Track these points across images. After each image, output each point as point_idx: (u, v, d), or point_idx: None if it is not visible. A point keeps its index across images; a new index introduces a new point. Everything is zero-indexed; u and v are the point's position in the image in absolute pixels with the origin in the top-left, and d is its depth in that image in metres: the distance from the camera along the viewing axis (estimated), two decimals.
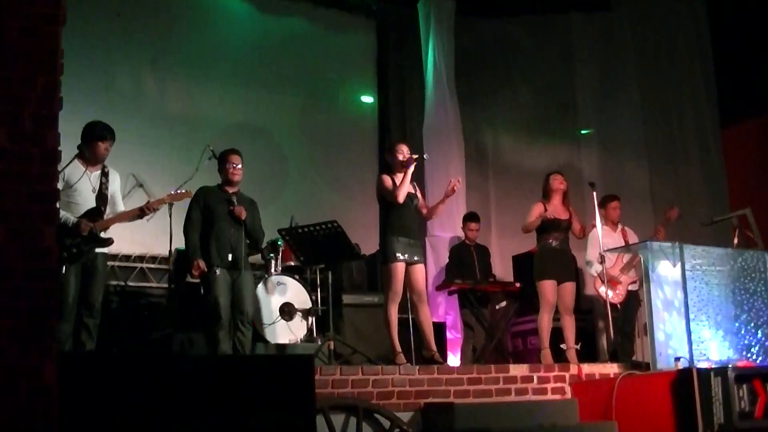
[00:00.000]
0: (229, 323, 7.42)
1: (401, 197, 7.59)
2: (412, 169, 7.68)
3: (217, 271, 7.43)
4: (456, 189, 7.88)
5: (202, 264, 7.44)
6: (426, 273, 8.20)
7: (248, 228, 7.67)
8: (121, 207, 7.46)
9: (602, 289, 8.78)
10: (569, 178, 9.02)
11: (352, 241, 8.08)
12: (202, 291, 7.65)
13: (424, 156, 8.07)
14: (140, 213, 7.37)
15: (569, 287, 8.56)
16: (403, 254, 7.54)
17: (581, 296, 10.09)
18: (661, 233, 8.92)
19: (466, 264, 10.10)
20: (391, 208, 7.70)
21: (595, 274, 9.15)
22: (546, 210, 8.56)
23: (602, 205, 9.34)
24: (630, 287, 9.29)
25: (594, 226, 8.83)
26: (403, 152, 7.75)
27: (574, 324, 8.53)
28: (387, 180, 7.74)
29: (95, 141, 7.17)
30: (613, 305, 8.82)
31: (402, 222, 7.67)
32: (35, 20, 4.05)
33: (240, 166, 7.75)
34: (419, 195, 8.00)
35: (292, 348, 8.50)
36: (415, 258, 7.67)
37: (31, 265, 3.91)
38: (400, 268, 7.54)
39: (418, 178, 8.23)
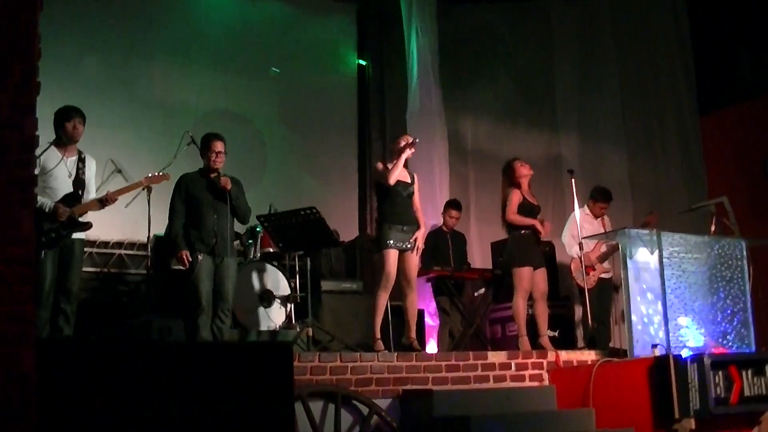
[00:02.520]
0: (209, 310, 7.40)
1: (392, 179, 7.71)
2: (407, 153, 7.78)
3: (200, 257, 7.39)
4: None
5: (186, 255, 7.39)
6: None
7: (233, 202, 7.60)
8: (93, 194, 7.43)
9: (578, 274, 8.82)
10: (548, 165, 9.01)
11: (330, 228, 8.10)
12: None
13: (416, 140, 8.06)
14: (101, 204, 7.30)
15: (543, 273, 8.50)
16: (395, 241, 7.66)
17: (559, 283, 10.13)
18: None
19: (441, 251, 10.08)
20: (384, 197, 7.83)
21: (575, 256, 9.18)
22: (522, 197, 8.55)
23: (593, 198, 9.43)
24: (602, 275, 9.34)
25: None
26: (406, 139, 7.91)
27: (546, 311, 8.49)
28: (380, 164, 7.96)
29: (63, 122, 7.20)
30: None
31: (394, 209, 7.78)
32: (12, 6, 4.01)
33: (223, 151, 7.69)
34: (416, 184, 8.01)
35: (270, 335, 8.50)
36: (408, 245, 7.75)
37: (9, 252, 3.87)
38: (392, 254, 7.64)
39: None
